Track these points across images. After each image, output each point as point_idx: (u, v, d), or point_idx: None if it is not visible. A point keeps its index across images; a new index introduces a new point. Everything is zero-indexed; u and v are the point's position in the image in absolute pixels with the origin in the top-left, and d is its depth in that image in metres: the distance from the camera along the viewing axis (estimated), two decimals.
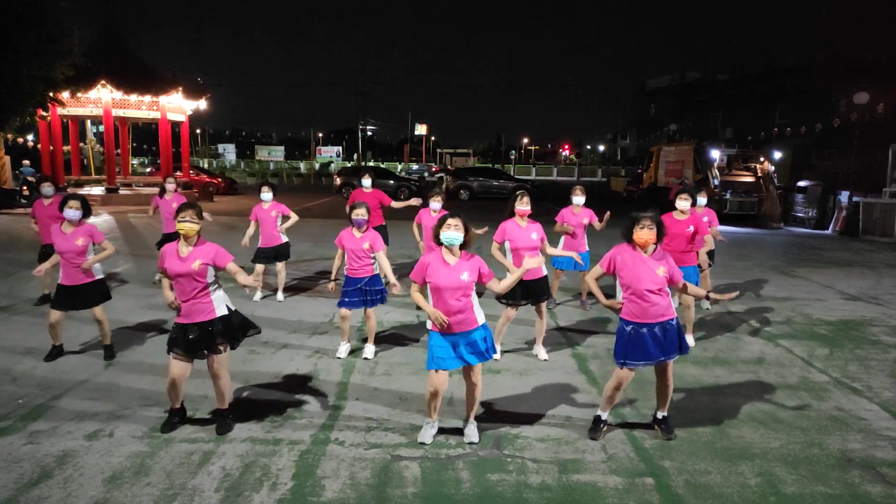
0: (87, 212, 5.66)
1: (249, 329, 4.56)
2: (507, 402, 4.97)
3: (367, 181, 8.80)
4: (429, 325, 4.27)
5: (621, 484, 3.79)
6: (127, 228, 15.77)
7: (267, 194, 8.00)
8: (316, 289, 8.92)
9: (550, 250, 6.03)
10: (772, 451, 4.26)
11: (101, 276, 5.81)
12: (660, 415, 4.51)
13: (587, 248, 7.71)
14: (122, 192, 22.47)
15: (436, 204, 7.39)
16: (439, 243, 4.18)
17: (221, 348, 4.31)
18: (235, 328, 4.43)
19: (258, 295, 8.22)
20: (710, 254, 7.94)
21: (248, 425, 4.46)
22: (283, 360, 5.85)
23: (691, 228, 6.41)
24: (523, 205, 5.76)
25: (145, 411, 4.65)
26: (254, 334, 4.63)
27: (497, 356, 5.92)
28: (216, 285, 4.37)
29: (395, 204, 8.95)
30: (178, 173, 25.97)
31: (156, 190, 22.92)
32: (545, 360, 6.04)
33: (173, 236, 5.05)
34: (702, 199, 7.69)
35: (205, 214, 4.60)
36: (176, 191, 8.87)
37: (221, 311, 4.34)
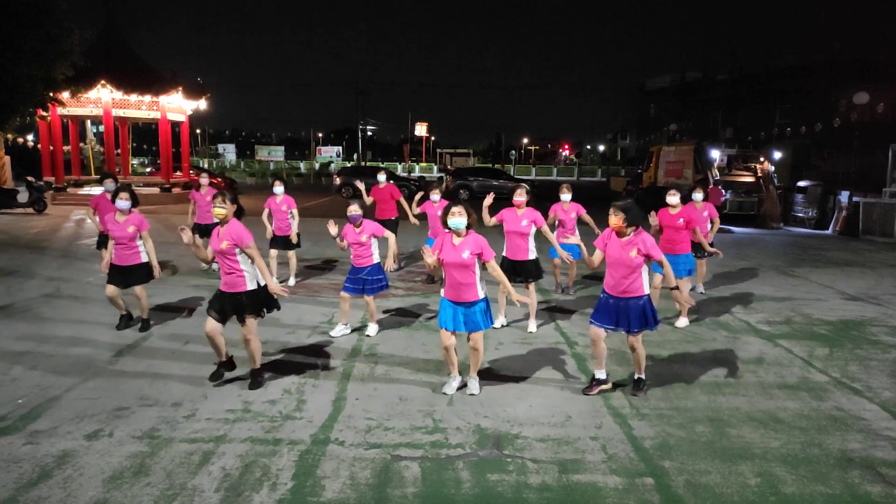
0: (135, 201, 6.51)
1: (274, 306, 5.20)
2: (506, 403, 4.97)
3: (381, 177, 10.24)
4: (441, 293, 5.01)
5: (621, 484, 3.80)
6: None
7: (279, 188, 8.85)
8: (313, 289, 8.93)
9: (550, 236, 7.00)
10: (772, 451, 4.27)
11: (146, 260, 6.56)
12: (636, 376, 5.23)
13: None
14: None
15: (435, 196, 8.57)
16: (448, 229, 4.85)
17: (248, 318, 4.99)
18: (262, 302, 5.08)
19: (291, 280, 9.05)
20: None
21: (247, 425, 4.46)
22: (282, 360, 5.85)
23: (681, 221, 7.24)
24: (519, 196, 6.68)
25: (145, 411, 4.65)
26: (275, 310, 5.28)
27: (503, 323, 6.98)
28: (248, 264, 4.99)
29: (407, 206, 10.04)
30: (178, 173, 25.99)
31: (156, 190, 22.98)
32: (531, 332, 6.88)
33: (208, 227, 5.43)
34: (697, 196, 8.66)
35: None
36: (210, 185, 9.97)
37: (252, 286, 5.01)
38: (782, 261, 12.59)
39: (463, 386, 5.18)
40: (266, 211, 8.91)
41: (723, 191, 19.48)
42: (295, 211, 8.95)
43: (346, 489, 3.67)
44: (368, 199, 9.91)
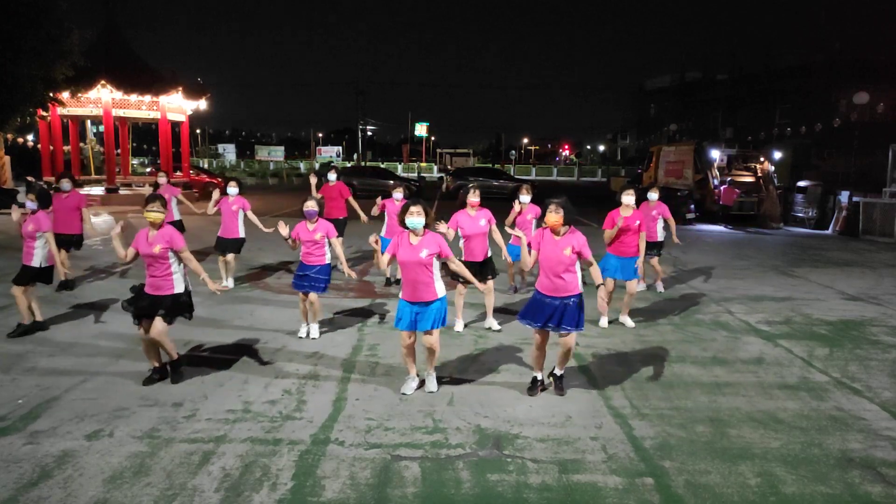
0: (44, 203, 6.52)
1: (187, 313, 5.24)
2: (506, 403, 4.97)
3: (332, 175, 10.08)
4: (400, 294, 5.00)
5: (621, 484, 3.80)
6: (126, 228, 15.75)
7: (233, 189, 8.69)
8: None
9: (498, 237, 7.02)
10: (772, 451, 4.27)
11: (35, 263, 6.43)
12: (557, 372, 5.19)
13: None
14: (122, 192, 22.47)
15: (398, 194, 8.46)
16: (405, 227, 4.87)
17: (160, 319, 4.97)
18: (181, 307, 5.15)
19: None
20: (659, 245, 9.05)
21: (247, 425, 4.46)
22: (282, 361, 5.85)
23: (638, 223, 7.04)
24: (475, 196, 6.72)
25: (145, 411, 4.65)
26: (187, 317, 5.29)
27: (460, 328, 6.82)
28: (178, 267, 5.10)
29: (357, 206, 10.06)
30: (178, 173, 26.01)
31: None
32: (498, 329, 6.83)
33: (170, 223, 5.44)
34: (653, 195, 8.71)
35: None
36: (167, 183, 9.99)
37: (179, 288, 5.11)
38: (782, 261, 12.59)
39: (422, 385, 5.19)
40: (212, 206, 8.64)
41: (736, 189, 19.52)
42: (250, 213, 8.61)
43: (346, 489, 3.67)
44: (317, 196, 9.97)
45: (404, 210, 4.86)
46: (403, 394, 5.05)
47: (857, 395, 5.31)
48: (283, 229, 6.12)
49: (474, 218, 6.65)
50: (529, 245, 5.02)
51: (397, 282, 9.47)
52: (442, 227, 6.33)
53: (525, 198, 8.04)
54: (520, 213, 8.11)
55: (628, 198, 7.04)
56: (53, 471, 3.78)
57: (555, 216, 4.80)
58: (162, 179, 10.01)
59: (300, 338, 6.48)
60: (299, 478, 3.78)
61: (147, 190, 22.68)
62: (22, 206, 6.40)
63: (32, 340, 6.26)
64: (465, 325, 7.01)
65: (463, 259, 6.61)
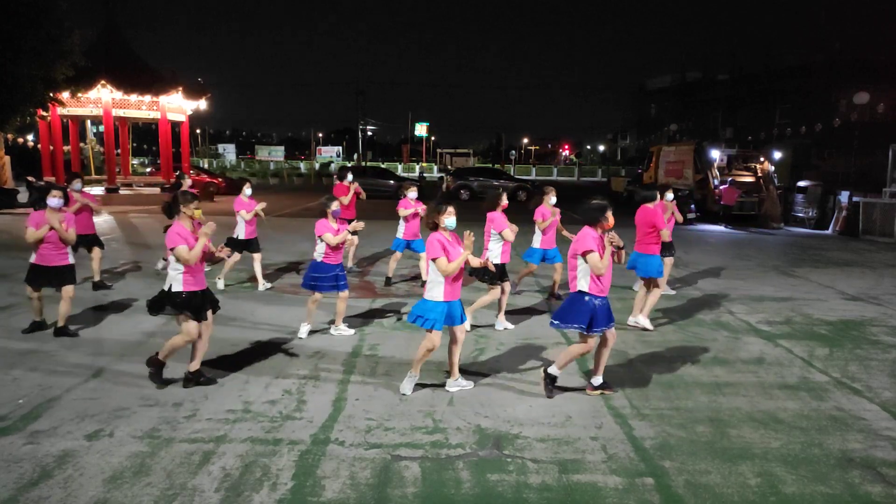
0: (65, 201, 6.55)
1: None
2: (506, 403, 4.97)
3: (350, 176, 10.38)
4: (434, 296, 4.93)
5: (621, 484, 3.80)
6: (128, 228, 15.79)
7: (249, 189, 8.91)
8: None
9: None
10: (772, 451, 4.27)
11: (73, 261, 6.49)
12: (599, 380, 5.19)
13: (556, 244, 8.20)
14: (123, 192, 22.48)
15: (412, 193, 8.81)
16: (436, 228, 4.98)
17: (211, 311, 5.20)
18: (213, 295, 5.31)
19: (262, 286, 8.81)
20: (669, 245, 8.81)
21: (248, 425, 4.46)
22: (283, 361, 5.85)
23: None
24: (505, 200, 7.00)
25: (146, 411, 4.65)
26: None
27: (467, 327, 6.53)
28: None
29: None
30: (178, 173, 26.01)
31: (157, 190, 22.98)
32: (510, 328, 7.01)
33: None
34: (669, 195, 8.58)
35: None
36: (191, 187, 10.05)
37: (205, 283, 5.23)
38: (782, 261, 12.59)
39: (423, 386, 5.22)
40: (245, 213, 8.58)
41: (738, 190, 19.54)
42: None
43: (346, 489, 3.67)
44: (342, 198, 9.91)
45: (439, 211, 5.00)
46: (403, 394, 5.05)
47: (857, 395, 5.31)
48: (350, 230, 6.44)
49: (505, 217, 6.84)
50: (598, 252, 4.87)
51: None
52: (509, 233, 6.69)
53: (553, 199, 7.94)
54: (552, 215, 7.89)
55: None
56: (54, 471, 3.78)
57: (612, 218, 4.97)
58: (187, 182, 10.08)
59: (300, 338, 6.48)
60: (299, 478, 3.78)
61: (143, 191, 22.75)
62: (42, 206, 6.22)
63: (34, 340, 6.26)
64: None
65: (499, 262, 6.77)
